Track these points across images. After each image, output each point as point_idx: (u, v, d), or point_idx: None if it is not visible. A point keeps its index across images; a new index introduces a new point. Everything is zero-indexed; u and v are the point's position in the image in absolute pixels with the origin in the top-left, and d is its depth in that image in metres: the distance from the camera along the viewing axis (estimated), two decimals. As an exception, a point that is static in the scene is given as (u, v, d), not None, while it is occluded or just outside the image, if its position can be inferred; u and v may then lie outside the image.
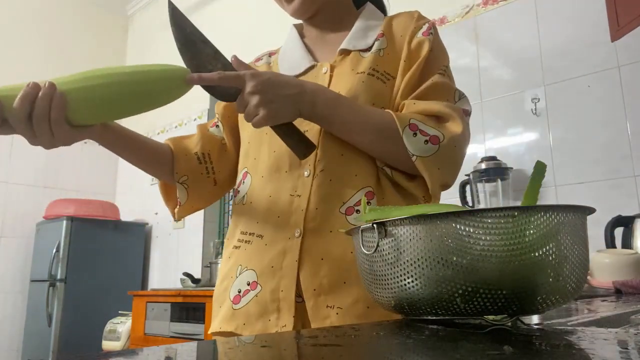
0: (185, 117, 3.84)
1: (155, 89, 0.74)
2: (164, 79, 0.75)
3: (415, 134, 0.77)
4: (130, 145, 0.88)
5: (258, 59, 1.04)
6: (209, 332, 0.86)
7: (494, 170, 2.03)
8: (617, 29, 1.62)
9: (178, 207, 0.94)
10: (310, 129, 0.83)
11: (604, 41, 1.87)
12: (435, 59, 0.86)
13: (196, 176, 0.93)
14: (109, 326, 3.11)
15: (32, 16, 4.16)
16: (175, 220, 0.98)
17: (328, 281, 0.75)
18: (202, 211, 3.67)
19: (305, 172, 0.81)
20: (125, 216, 4.02)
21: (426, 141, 0.77)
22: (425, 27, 0.88)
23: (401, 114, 0.79)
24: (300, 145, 0.78)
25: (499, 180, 2.04)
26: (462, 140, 0.79)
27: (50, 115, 0.68)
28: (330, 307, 0.75)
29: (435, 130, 0.78)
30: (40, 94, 0.67)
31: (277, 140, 0.80)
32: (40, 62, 4.02)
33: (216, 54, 0.81)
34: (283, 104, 0.74)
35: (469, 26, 2.35)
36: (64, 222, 3.51)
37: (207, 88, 0.78)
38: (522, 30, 2.19)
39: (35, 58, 4.05)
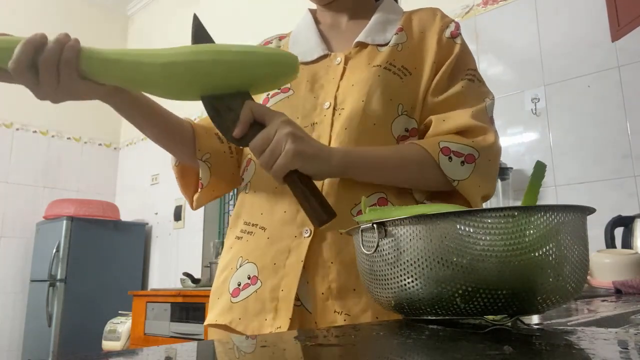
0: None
1: (265, 72, 0.71)
2: (281, 64, 0.72)
3: (450, 158, 0.75)
4: (148, 113, 0.80)
5: (267, 42, 0.99)
6: (205, 324, 0.84)
7: (494, 170, 2.03)
8: (617, 29, 1.62)
9: (199, 190, 0.88)
10: (319, 122, 0.80)
11: (604, 41, 1.87)
12: (464, 61, 0.85)
13: (219, 155, 0.87)
14: (109, 326, 3.11)
15: (32, 16, 4.16)
16: (193, 209, 0.93)
17: (337, 286, 0.73)
18: (202, 211, 3.68)
19: None
20: (125, 216, 4.03)
21: (462, 162, 0.75)
22: (453, 27, 0.86)
23: (428, 142, 0.76)
24: (319, 210, 0.67)
25: (499, 180, 2.04)
26: (495, 151, 0.78)
27: (61, 59, 0.64)
28: (338, 312, 0.72)
29: (469, 148, 0.76)
30: (53, 38, 0.64)
31: None
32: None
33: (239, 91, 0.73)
34: (312, 145, 0.70)
35: (469, 26, 2.35)
36: (64, 222, 3.51)
37: (218, 124, 0.71)
38: (522, 30, 2.19)
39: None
